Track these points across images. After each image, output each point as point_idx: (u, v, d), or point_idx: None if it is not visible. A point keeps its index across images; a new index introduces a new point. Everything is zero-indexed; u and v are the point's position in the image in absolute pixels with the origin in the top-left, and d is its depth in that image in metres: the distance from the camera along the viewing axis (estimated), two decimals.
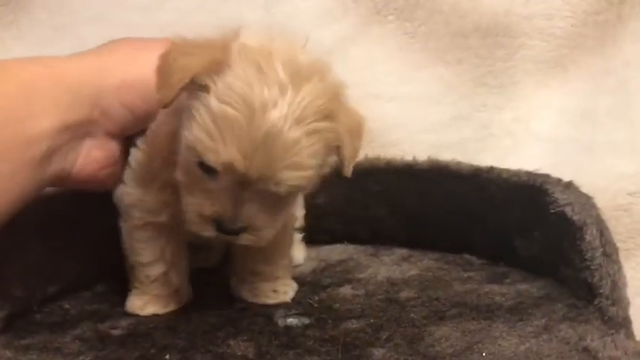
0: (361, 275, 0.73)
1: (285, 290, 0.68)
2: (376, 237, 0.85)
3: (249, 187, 0.52)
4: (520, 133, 1.05)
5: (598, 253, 0.60)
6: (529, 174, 0.71)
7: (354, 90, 1.00)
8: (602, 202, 0.69)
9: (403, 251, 0.81)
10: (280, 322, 0.61)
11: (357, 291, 0.68)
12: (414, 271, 0.73)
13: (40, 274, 0.66)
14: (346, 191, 0.85)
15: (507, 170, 0.74)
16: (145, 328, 0.60)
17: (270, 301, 0.67)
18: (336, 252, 0.83)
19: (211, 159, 0.51)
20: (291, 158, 0.51)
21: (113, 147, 0.63)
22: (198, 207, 0.54)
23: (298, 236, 0.81)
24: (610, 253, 0.60)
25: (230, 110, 0.50)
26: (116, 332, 0.59)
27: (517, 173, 0.72)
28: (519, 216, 0.71)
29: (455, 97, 1.03)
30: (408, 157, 0.87)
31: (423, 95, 1.03)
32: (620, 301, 0.58)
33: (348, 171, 0.57)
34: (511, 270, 0.72)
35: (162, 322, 0.62)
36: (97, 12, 0.96)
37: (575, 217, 0.62)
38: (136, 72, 0.59)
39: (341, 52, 1.02)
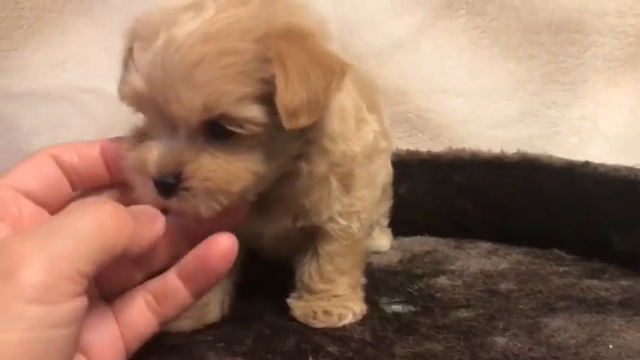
0: (452, 267, 0.73)
1: (340, 313, 0.58)
2: (458, 229, 0.84)
3: (178, 128, 0.45)
4: (586, 131, 1.04)
5: None
6: (629, 169, 0.70)
7: (423, 84, 1.03)
8: None
9: (487, 244, 0.81)
10: (386, 309, 0.61)
11: (454, 282, 0.68)
12: (505, 265, 0.73)
13: None
14: (429, 182, 0.85)
15: (604, 165, 0.73)
16: None
17: (320, 325, 0.57)
18: (417, 243, 0.83)
19: (122, 92, 0.47)
20: (191, 75, 0.43)
21: None
22: (132, 160, 0.46)
23: (384, 222, 0.81)
24: None
25: (142, 42, 0.46)
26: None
27: (615, 168, 0.71)
28: (617, 211, 0.70)
29: (525, 94, 1.02)
30: None
31: (492, 90, 1.02)
32: None
33: (285, 120, 0.44)
34: (607, 265, 0.71)
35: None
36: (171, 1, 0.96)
37: None
38: None
39: (411, 45, 1.01)
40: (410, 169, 0.83)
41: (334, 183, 0.56)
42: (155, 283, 0.45)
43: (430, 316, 0.59)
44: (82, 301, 0.36)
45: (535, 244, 0.79)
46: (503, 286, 0.66)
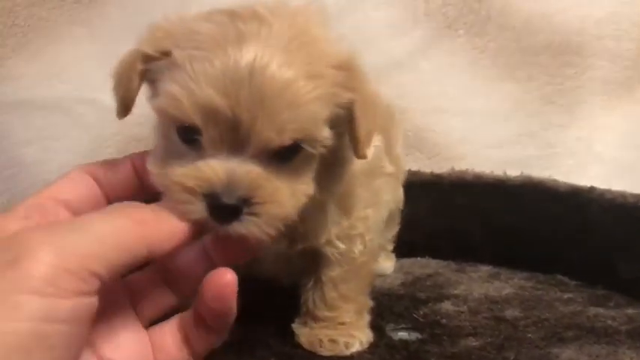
0: (456, 291, 0.72)
1: (347, 342, 0.57)
2: (459, 251, 0.83)
3: (243, 148, 0.41)
4: (582, 153, 1.04)
5: None
6: (635, 196, 0.70)
7: (421, 103, 1.03)
8: None
9: (488, 268, 0.80)
10: (393, 336, 0.60)
11: (458, 307, 0.67)
12: (508, 290, 0.72)
13: None
14: (431, 203, 0.84)
15: (610, 191, 0.73)
16: None
17: (326, 353, 0.56)
18: (417, 265, 0.82)
19: (185, 106, 0.40)
20: (285, 95, 0.41)
21: None
22: (182, 178, 0.41)
23: (389, 247, 0.79)
24: None
25: (196, 52, 0.41)
26: None
27: (622, 194, 0.71)
28: (623, 238, 0.70)
29: (522, 114, 1.02)
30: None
31: (490, 111, 1.02)
32: None
33: (363, 152, 0.47)
34: (612, 293, 0.71)
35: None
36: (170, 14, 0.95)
37: None
38: None
39: (410, 64, 1.01)
40: (411, 190, 0.82)
41: (332, 207, 0.54)
42: (186, 313, 0.44)
43: (439, 345, 0.58)
44: (89, 301, 0.35)
45: (537, 268, 0.78)
46: (509, 313, 0.65)
